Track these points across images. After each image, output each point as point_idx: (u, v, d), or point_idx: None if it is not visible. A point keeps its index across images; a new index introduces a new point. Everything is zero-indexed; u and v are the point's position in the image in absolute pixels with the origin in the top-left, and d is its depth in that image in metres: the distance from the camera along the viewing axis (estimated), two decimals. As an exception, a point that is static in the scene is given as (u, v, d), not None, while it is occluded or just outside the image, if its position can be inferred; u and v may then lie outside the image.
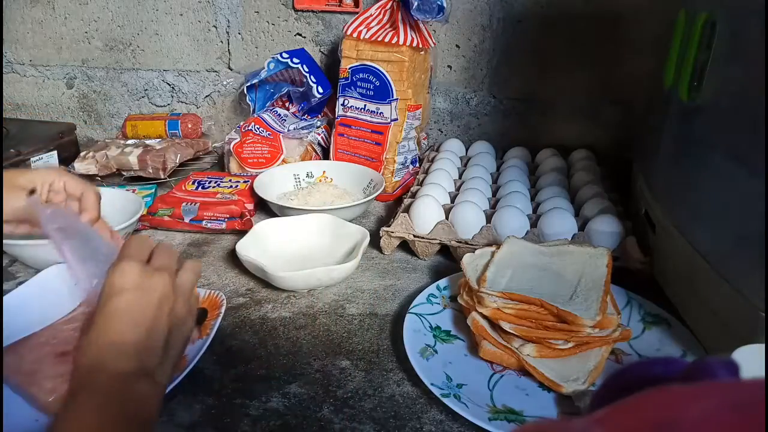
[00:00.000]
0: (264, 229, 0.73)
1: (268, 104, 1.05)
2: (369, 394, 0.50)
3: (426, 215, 0.73)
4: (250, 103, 1.07)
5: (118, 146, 0.99)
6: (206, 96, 1.17)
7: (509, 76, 1.05)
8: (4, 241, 0.62)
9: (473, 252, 0.61)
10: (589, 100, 1.04)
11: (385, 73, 0.88)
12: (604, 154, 0.98)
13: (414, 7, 0.83)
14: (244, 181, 0.89)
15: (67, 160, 0.98)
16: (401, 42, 0.86)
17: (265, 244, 0.71)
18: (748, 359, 0.33)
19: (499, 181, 0.86)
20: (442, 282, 0.64)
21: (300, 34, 1.08)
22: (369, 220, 0.85)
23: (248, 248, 0.67)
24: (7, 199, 0.51)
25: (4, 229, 0.52)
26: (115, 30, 1.13)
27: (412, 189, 0.84)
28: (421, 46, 0.88)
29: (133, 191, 0.87)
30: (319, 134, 1.01)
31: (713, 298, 0.51)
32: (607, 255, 0.59)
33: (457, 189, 0.83)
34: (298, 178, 0.93)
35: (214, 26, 1.10)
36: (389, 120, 0.90)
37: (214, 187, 0.88)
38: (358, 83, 0.91)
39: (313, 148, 0.99)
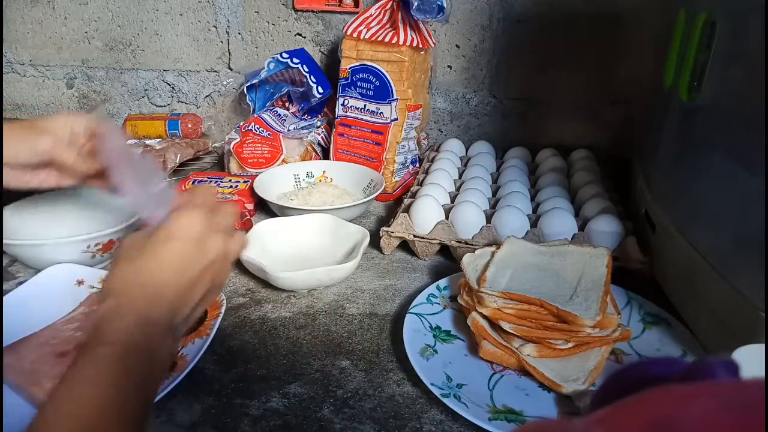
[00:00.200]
0: (264, 229, 0.73)
1: (268, 104, 1.05)
2: (369, 394, 0.50)
3: (426, 215, 0.73)
4: (250, 103, 1.07)
5: (118, 146, 0.99)
6: (206, 96, 1.17)
7: (509, 76, 1.05)
8: (5, 242, 0.62)
9: (473, 252, 0.61)
10: (589, 100, 1.04)
11: (385, 73, 0.88)
12: (604, 154, 0.98)
13: (414, 7, 0.83)
14: (244, 181, 0.89)
15: (67, 160, 0.98)
16: (401, 42, 0.86)
17: (265, 244, 0.71)
18: (748, 359, 0.33)
19: (499, 181, 0.86)
20: (442, 282, 0.64)
21: (300, 34, 1.08)
22: (369, 220, 0.85)
23: (248, 248, 0.67)
24: (28, 144, 0.50)
25: (18, 177, 0.52)
26: (115, 30, 1.13)
27: (412, 189, 0.84)
28: (421, 46, 0.88)
29: (133, 191, 0.87)
30: (319, 134, 1.01)
31: (713, 298, 0.51)
32: (607, 255, 0.59)
33: (457, 189, 0.83)
34: (298, 178, 0.93)
35: (214, 26, 1.10)
36: (389, 120, 0.90)
37: (214, 187, 0.88)
38: (358, 83, 0.91)
39: (313, 148, 0.99)
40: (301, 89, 1.02)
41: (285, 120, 1.00)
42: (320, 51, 1.09)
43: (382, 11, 0.90)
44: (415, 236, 0.72)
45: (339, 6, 1.04)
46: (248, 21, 1.08)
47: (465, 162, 0.97)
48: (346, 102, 0.93)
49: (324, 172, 0.94)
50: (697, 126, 0.56)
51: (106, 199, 0.73)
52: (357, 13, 0.94)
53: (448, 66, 1.06)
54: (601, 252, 0.59)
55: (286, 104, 1.07)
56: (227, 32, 1.10)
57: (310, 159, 0.98)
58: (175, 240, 0.36)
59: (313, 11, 1.05)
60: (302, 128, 0.99)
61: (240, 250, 0.42)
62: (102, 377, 0.30)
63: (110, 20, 1.12)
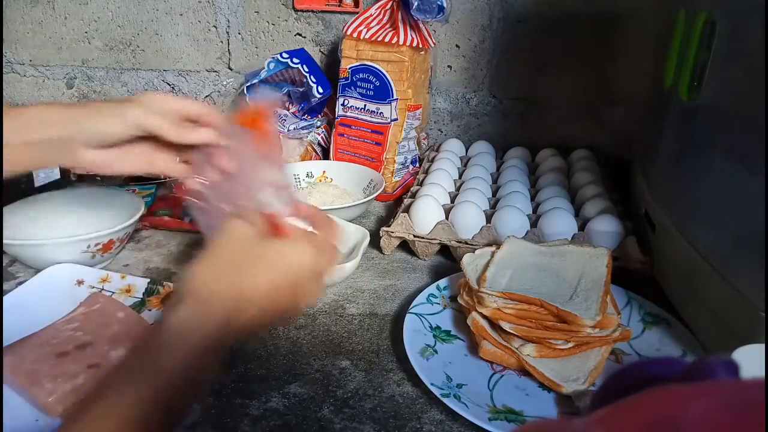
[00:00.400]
0: (264, 229, 0.72)
1: (268, 104, 1.05)
2: (369, 394, 0.50)
3: (426, 215, 0.73)
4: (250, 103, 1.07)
5: (118, 146, 0.99)
6: (206, 96, 1.17)
7: (509, 76, 1.05)
8: (5, 242, 0.62)
9: (473, 252, 0.61)
10: (589, 100, 1.04)
11: (385, 73, 0.88)
12: (604, 154, 0.98)
13: (414, 7, 0.83)
14: (244, 181, 0.89)
15: (67, 160, 0.98)
16: (401, 42, 0.86)
17: (265, 244, 0.71)
18: (748, 359, 0.33)
19: (499, 181, 0.86)
20: (442, 282, 0.64)
21: (300, 34, 1.08)
22: (369, 220, 0.85)
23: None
24: (115, 113, 0.47)
25: (103, 157, 0.48)
26: (115, 30, 1.13)
27: (412, 189, 0.84)
28: (421, 46, 0.88)
29: (133, 191, 0.87)
30: (319, 134, 1.01)
31: (713, 298, 0.51)
32: (607, 255, 0.59)
33: (457, 189, 0.83)
34: (298, 178, 0.93)
35: (214, 26, 1.10)
36: (389, 120, 0.90)
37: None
38: (358, 83, 0.91)
39: (313, 148, 0.99)
40: (301, 89, 1.02)
41: (285, 120, 1.00)
42: (320, 51, 1.09)
43: (382, 11, 0.90)
44: (415, 236, 0.72)
45: (339, 6, 1.04)
46: (248, 21, 1.08)
47: (465, 162, 0.97)
48: (346, 102, 0.93)
49: (324, 172, 0.94)
50: (697, 126, 0.56)
51: (106, 199, 0.73)
52: (357, 13, 0.94)
53: (448, 66, 1.06)
54: (601, 252, 0.59)
55: (286, 104, 1.07)
56: (227, 32, 1.10)
57: (310, 159, 0.98)
58: (285, 259, 0.37)
59: (313, 11, 1.05)
60: (302, 128, 0.99)
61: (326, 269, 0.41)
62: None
63: (110, 20, 1.12)
